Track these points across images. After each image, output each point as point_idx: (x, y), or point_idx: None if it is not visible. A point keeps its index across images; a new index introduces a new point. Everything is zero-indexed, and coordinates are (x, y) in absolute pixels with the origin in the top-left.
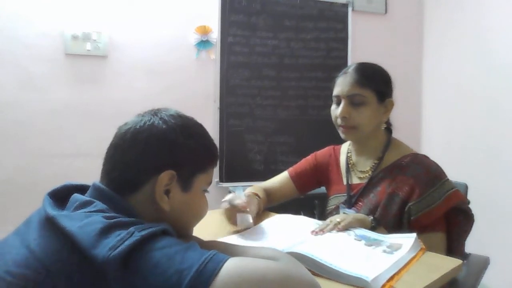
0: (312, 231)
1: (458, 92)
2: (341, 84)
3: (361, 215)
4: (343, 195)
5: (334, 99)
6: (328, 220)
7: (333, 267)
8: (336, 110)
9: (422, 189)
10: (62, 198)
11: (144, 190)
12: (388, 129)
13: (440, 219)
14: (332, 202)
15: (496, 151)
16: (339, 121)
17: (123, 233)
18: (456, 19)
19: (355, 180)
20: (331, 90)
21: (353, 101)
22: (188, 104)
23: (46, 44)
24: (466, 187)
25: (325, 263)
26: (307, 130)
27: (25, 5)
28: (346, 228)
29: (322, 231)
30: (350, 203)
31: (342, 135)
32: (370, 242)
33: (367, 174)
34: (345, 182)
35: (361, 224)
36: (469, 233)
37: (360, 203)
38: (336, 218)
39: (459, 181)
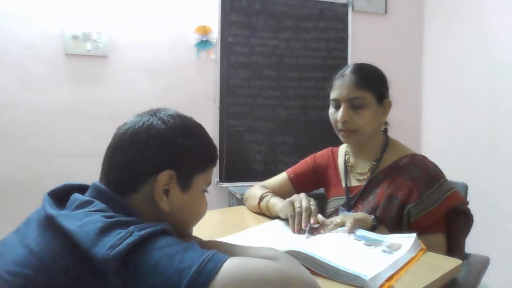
0: (313, 230)
1: (458, 92)
2: (340, 87)
3: (362, 214)
4: (342, 198)
5: (333, 103)
6: (328, 221)
7: (332, 265)
8: (335, 114)
9: (421, 191)
10: (61, 198)
11: (144, 190)
12: (384, 130)
13: (439, 221)
14: (331, 205)
15: (496, 151)
16: (339, 125)
17: (122, 232)
18: (456, 19)
19: (354, 183)
20: (328, 93)
21: (353, 104)
22: (188, 104)
23: (46, 44)
24: (466, 187)
25: (324, 261)
26: (307, 130)
27: (25, 5)
28: (353, 230)
29: (323, 230)
30: (349, 206)
31: (343, 139)
32: (370, 242)
33: (365, 176)
34: (344, 185)
35: (363, 224)
36: (468, 233)
37: (359, 205)
38: (336, 219)
39: (459, 181)
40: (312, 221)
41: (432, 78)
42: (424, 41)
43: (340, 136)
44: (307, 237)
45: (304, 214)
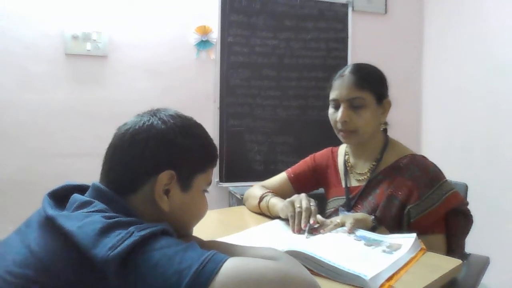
0: (313, 230)
1: (458, 92)
2: (339, 88)
3: (362, 215)
4: (342, 198)
5: (332, 103)
6: (328, 221)
7: (332, 264)
8: (335, 115)
9: (421, 191)
10: (61, 198)
11: (144, 190)
12: (384, 130)
13: (439, 221)
14: (331, 205)
15: (496, 151)
16: (339, 125)
17: (122, 232)
18: (456, 19)
19: (354, 183)
20: (328, 93)
21: (352, 104)
22: (188, 104)
23: (46, 44)
24: (466, 187)
25: (324, 261)
26: (307, 130)
27: (25, 5)
28: (353, 230)
29: (323, 230)
30: (349, 206)
31: (343, 140)
32: (370, 242)
33: (365, 176)
34: (343, 185)
35: (363, 224)
36: (468, 233)
37: (359, 205)
38: (336, 219)
39: (459, 181)
40: (311, 221)
41: (432, 78)
42: (424, 41)
43: (340, 136)
44: (307, 237)
45: (304, 214)
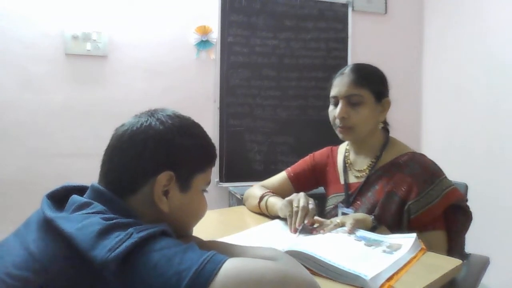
0: (313, 229)
1: (458, 92)
2: (339, 85)
3: (361, 215)
4: (341, 195)
5: (332, 100)
6: (328, 221)
7: (332, 264)
8: (334, 111)
9: (421, 187)
10: (60, 199)
11: (143, 191)
12: (386, 129)
13: (439, 217)
14: (331, 202)
15: (496, 151)
16: (337, 121)
17: (121, 234)
18: (456, 19)
19: (353, 179)
20: (328, 92)
21: (351, 101)
22: (188, 104)
23: (46, 44)
24: (466, 187)
25: (324, 260)
26: (307, 130)
27: (25, 5)
28: (353, 231)
29: (323, 230)
30: (348, 202)
31: (340, 136)
32: (370, 243)
33: (364, 173)
34: (342, 182)
35: (363, 224)
36: (467, 230)
37: (358, 202)
38: (336, 219)
39: (459, 181)
40: (306, 221)
41: (432, 78)
42: (424, 41)
43: (338, 133)
44: (297, 236)
45: (300, 214)
